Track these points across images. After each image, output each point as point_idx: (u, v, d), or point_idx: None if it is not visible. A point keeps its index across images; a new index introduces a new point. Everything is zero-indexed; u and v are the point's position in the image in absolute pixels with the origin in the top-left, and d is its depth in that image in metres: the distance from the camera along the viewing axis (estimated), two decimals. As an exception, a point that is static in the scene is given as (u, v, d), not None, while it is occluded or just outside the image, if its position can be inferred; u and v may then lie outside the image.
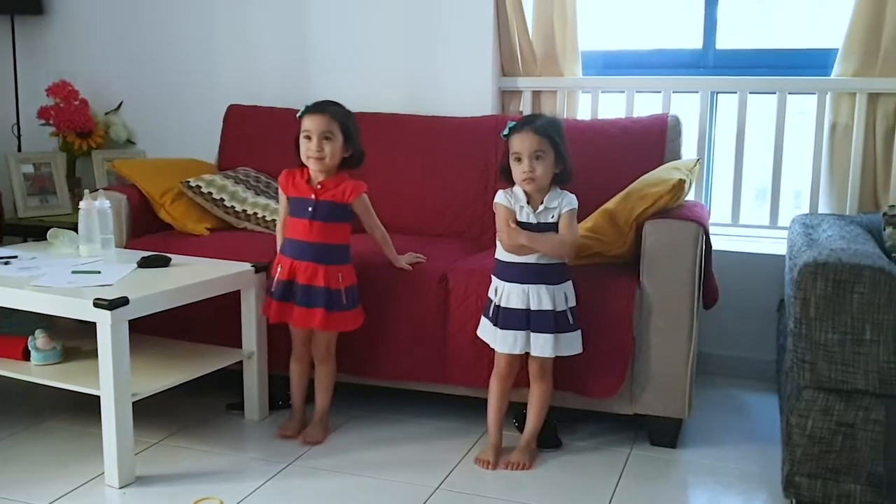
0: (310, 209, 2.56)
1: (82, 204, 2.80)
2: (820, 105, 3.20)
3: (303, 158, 2.59)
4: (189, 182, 3.22)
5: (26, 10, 4.01)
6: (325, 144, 2.55)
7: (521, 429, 2.60)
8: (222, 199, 3.21)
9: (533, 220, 2.41)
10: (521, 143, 2.38)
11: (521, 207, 2.42)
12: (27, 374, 2.54)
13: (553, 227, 2.41)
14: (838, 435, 2.04)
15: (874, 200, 3.18)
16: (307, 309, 2.56)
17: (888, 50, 3.06)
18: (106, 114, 3.98)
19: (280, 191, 2.68)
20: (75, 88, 3.84)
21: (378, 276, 2.73)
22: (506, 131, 2.42)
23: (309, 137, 2.56)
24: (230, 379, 2.83)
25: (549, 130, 2.39)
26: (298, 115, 2.61)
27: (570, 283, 2.47)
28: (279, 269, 2.61)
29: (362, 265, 2.70)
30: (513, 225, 2.40)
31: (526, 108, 3.52)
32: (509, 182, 2.45)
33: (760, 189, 3.51)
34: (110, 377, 2.27)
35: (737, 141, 3.32)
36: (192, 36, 3.87)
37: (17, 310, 2.49)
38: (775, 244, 3.24)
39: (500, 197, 2.45)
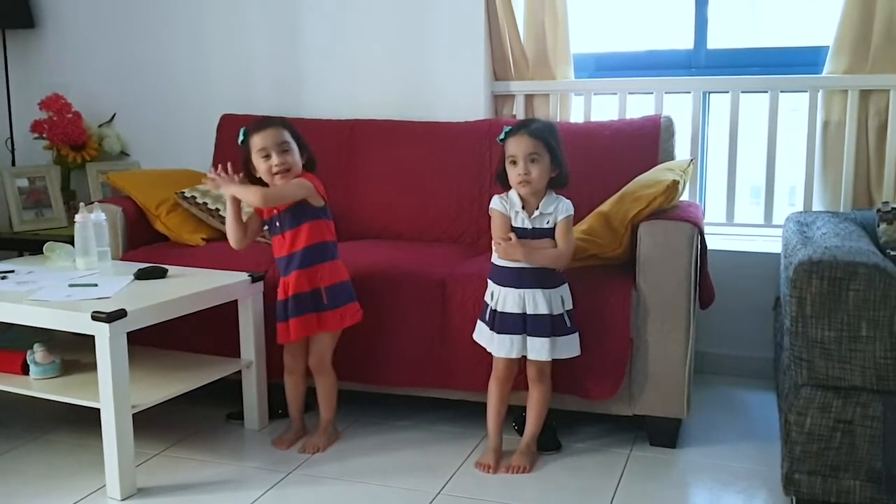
0: (278, 224, 2.57)
1: (78, 217, 2.80)
2: (812, 103, 3.21)
3: (265, 177, 2.54)
4: (184, 193, 3.23)
5: (18, 24, 4.01)
6: (286, 157, 2.53)
7: (520, 432, 2.61)
8: (217, 210, 3.21)
9: (528, 225, 2.42)
10: (516, 146, 2.39)
11: (517, 213, 2.43)
12: (26, 388, 2.54)
13: (548, 232, 2.42)
14: (837, 432, 2.05)
15: (868, 197, 3.19)
16: (299, 318, 2.55)
17: (879, 46, 3.08)
18: (99, 126, 3.99)
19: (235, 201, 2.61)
20: (68, 101, 3.84)
21: (376, 282, 2.74)
22: (502, 135, 2.43)
23: (268, 155, 2.52)
24: (229, 389, 2.83)
25: (544, 133, 2.40)
26: (241, 139, 2.57)
27: (566, 286, 2.48)
28: (279, 289, 2.60)
29: (360, 273, 2.71)
30: (511, 236, 2.40)
31: (519, 111, 3.53)
32: (505, 187, 2.46)
33: (754, 188, 3.53)
34: (110, 389, 2.27)
35: (730, 140, 3.33)
36: (184, 46, 3.88)
37: (15, 324, 2.49)
38: (770, 242, 3.25)
39: (496, 202, 2.45)
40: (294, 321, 2.55)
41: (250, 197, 2.51)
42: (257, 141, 2.54)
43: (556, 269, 2.44)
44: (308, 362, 2.67)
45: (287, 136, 2.56)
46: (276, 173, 2.52)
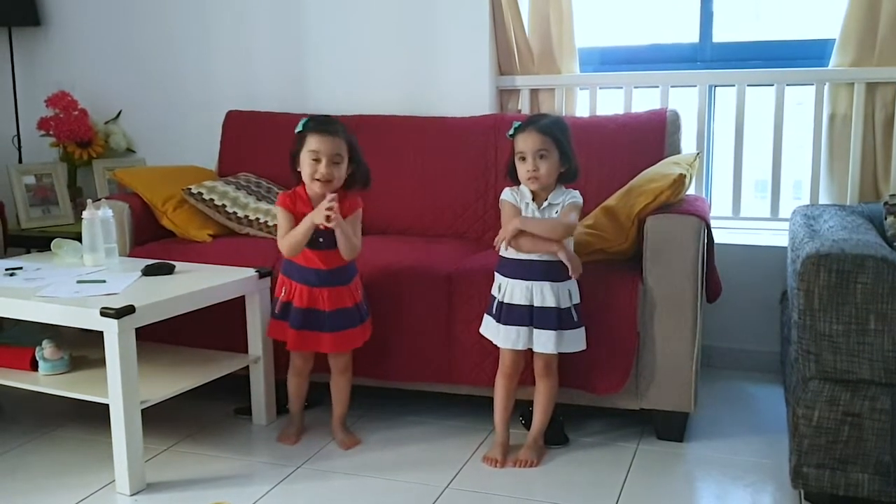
0: (320, 240, 2.51)
1: (85, 213, 2.80)
2: (818, 96, 3.20)
3: (307, 179, 2.50)
4: (191, 189, 3.23)
5: (24, 22, 4.02)
6: (334, 169, 2.48)
7: (527, 426, 2.61)
8: (224, 206, 3.22)
9: (538, 215, 2.43)
10: (525, 142, 2.40)
11: (527, 204, 2.44)
12: (35, 384, 2.55)
13: (557, 222, 2.43)
14: (845, 425, 2.05)
15: (875, 190, 3.18)
16: (341, 333, 2.55)
17: (885, 39, 3.07)
18: (105, 123, 3.99)
19: (281, 207, 2.55)
20: (74, 98, 3.85)
21: (383, 278, 2.74)
22: (511, 131, 2.45)
23: (318, 160, 2.47)
24: (237, 384, 2.84)
25: (552, 129, 2.40)
26: (299, 129, 2.51)
27: (573, 280, 2.48)
28: (294, 296, 2.56)
29: (366, 269, 2.71)
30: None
31: (524, 106, 3.53)
32: (515, 182, 2.48)
33: (760, 181, 3.52)
34: (118, 385, 2.28)
35: (736, 134, 3.33)
36: (190, 43, 3.88)
37: (24, 320, 2.50)
38: (777, 236, 3.24)
39: (506, 194, 2.47)
40: (336, 335, 2.55)
41: (347, 247, 2.49)
42: (313, 142, 2.47)
43: (556, 240, 2.40)
44: (332, 363, 2.65)
45: (343, 149, 2.50)
46: (318, 180, 2.48)
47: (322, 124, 2.52)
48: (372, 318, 2.67)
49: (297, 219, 2.52)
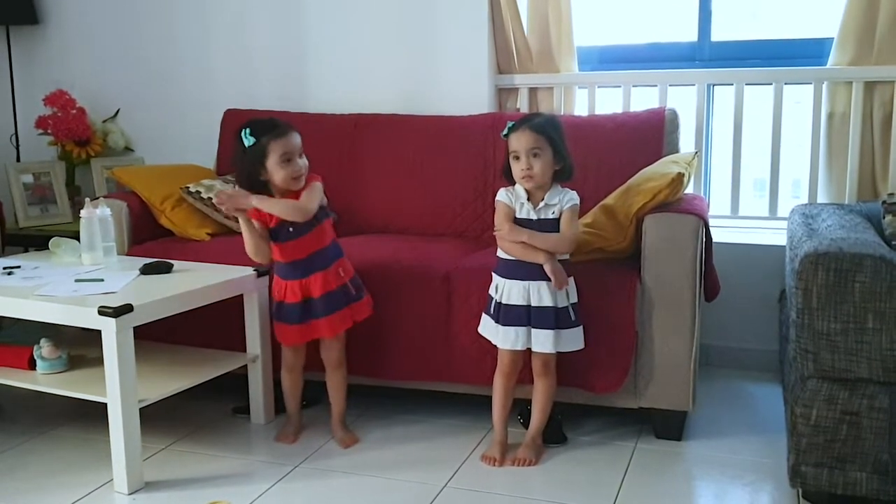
0: (290, 229, 2.52)
1: (83, 212, 2.80)
2: (816, 95, 3.20)
3: (284, 181, 2.47)
4: (189, 188, 3.23)
5: (21, 20, 4.01)
6: (303, 160, 2.51)
7: (526, 425, 2.61)
8: (223, 204, 3.21)
9: (533, 216, 2.42)
10: (518, 141, 2.40)
11: (522, 204, 2.43)
12: (33, 383, 2.54)
13: (553, 223, 2.42)
14: (843, 424, 2.05)
15: (873, 189, 3.19)
16: (333, 315, 2.56)
17: (883, 38, 3.07)
18: (103, 121, 3.99)
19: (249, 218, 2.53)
20: (72, 97, 3.85)
21: (381, 277, 2.74)
22: (505, 131, 2.44)
23: (290, 160, 2.47)
24: (235, 383, 2.83)
25: (545, 128, 2.40)
26: (250, 143, 2.46)
27: (571, 279, 2.48)
28: (286, 294, 2.56)
29: (365, 267, 2.71)
30: (507, 225, 2.42)
31: (523, 105, 3.53)
32: (511, 182, 2.47)
33: (759, 180, 3.52)
34: (116, 384, 2.28)
35: (734, 133, 3.33)
36: (188, 41, 3.88)
37: (22, 319, 2.49)
38: (775, 235, 3.24)
39: (501, 194, 2.47)
40: (329, 319, 2.55)
41: (289, 211, 2.47)
42: (279, 147, 2.47)
43: (559, 255, 2.43)
44: (324, 358, 2.66)
45: (300, 139, 2.53)
46: (297, 177, 2.49)
47: (275, 128, 2.50)
48: (369, 301, 2.65)
49: (264, 225, 2.53)
